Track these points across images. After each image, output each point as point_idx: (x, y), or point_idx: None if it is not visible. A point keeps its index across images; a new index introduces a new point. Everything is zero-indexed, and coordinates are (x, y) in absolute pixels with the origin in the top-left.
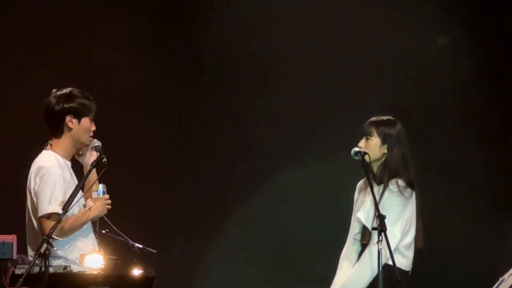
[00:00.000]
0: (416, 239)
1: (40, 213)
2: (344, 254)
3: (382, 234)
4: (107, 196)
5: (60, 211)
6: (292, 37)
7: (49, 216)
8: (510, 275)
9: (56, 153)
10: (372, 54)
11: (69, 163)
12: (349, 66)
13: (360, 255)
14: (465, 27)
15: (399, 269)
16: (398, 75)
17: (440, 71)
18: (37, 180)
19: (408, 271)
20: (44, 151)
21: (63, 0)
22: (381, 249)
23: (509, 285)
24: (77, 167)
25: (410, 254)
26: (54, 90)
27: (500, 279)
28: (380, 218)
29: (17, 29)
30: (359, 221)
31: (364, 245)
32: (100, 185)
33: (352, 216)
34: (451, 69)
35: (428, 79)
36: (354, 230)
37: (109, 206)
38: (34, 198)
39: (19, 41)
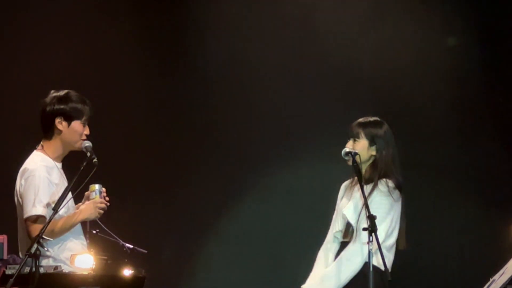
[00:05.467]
0: (398, 240)
1: (25, 215)
2: (323, 250)
3: (373, 234)
4: (99, 200)
5: (44, 213)
6: (287, 34)
7: (33, 218)
8: (501, 276)
9: (47, 154)
10: (367, 54)
11: (59, 165)
12: (342, 66)
13: (338, 253)
14: (465, 27)
15: (380, 269)
16: (393, 75)
17: (437, 71)
18: (22, 182)
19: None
20: (34, 152)
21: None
22: (371, 249)
23: (499, 285)
24: (69, 168)
25: (391, 256)
26: (52, 91)
27: (491, 280)
28: (371, 218)
29: (15, 28)
30: (344, 218)
31: (344, 243)
32: (96, 185)
33: (334, 215)
34: (448, 68)
35: (422, 79)
36: (335, 228)
37: (102, 211)
38: (20, 200)
39: (16, 40)
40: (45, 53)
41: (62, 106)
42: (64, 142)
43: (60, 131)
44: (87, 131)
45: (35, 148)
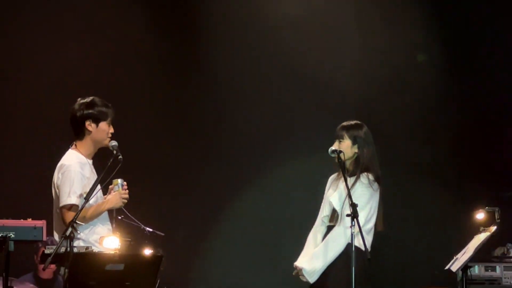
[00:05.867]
0: (377, 223)
1: (61, 204)
2: (312, 232)
3: (355, 220)
4: (123, 191)
5: (77, 203)
6: (281, 40)
7: (68, 207)
8: (463, 254)
9: (80, 152)
10: (353, 62)
11: (90, 161)
12: (328, 74)
13: (325, 235)
14: (439, 42)
15: (360, 249)
16: (374, 84)
17: (413, 82)
18: (59, 175)
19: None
20: (69, 150)
21: (66, 2)
22: (353, 232)
23: (461, 262)
24: (99, 164)
25: (370, 238)
26: (79, 99)
27: (454, 258)
28: (353, 206)
29: (24, 30)
30: (330, 205)
31: (330, 227)
32: (119, 180)
33: (322, 202)
34: (423, 79)
35: (399, 88)
36: (323, 213)
37: (125, 200)
38: (57, 191)
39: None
40: (78, 56)
41: (90, 111)
42: (94, 140)
43: (90, 132)
44: (112, 130)
45: (70, 147)
